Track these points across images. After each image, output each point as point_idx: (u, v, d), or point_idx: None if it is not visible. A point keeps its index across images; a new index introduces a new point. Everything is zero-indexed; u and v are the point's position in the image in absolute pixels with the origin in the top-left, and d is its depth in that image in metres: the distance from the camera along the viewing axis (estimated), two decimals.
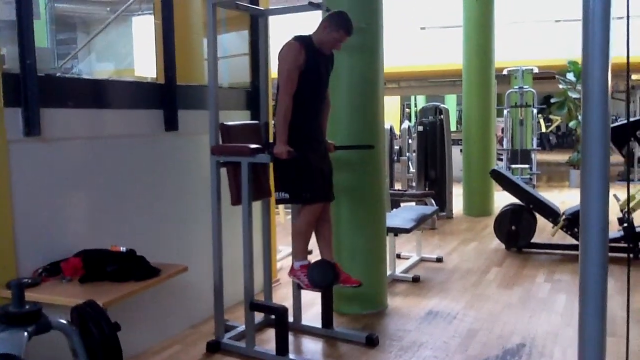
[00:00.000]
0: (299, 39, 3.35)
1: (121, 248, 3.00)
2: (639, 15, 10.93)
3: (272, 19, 4.00)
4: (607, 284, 1.61)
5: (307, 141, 3.40)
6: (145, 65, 6.95)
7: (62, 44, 7.98)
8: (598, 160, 1.49)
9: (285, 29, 4.78)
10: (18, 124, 2.79)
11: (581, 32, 1.48)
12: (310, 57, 3.32)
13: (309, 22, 3.61)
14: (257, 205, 3.66)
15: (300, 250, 3.48)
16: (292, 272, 3.50)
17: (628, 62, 1.61)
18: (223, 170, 3.55)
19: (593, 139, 1.50)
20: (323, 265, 3.46)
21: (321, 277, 3.40)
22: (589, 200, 1.54)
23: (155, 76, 4.55)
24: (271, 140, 3.72)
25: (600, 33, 1.44)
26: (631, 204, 5.56)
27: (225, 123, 3.59)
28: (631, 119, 6.22)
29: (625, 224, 5.47)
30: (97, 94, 3.33)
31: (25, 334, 1.98)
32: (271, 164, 3.59)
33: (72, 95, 3.12)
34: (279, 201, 3.50)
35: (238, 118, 4.12)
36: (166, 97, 3.68)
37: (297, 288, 3.70)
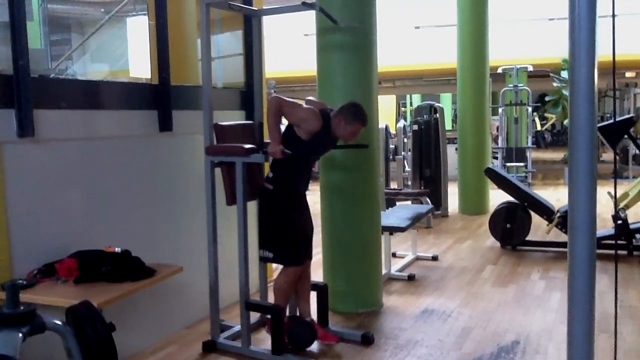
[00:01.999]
0: (322, 115, 3.38)
1: (116, 249, 3.00)
2: (630, 14, 10.97)
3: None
4: (594, 280, 1.63)
5: (290, 193, 3.48)
6: (140, 65, 6.95)
7: (56, 44, 7.96)
8: (585, 157, 1.51)
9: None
10: (11, 125, 2.79)
11: (568, 30, 1.49)
12: (321, 134, 3.36)
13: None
14: (252, 205, 3.66)
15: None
16: (270, 328, 3.54)
17: (614, 60, 1.63)
18: (218, 171, 3.55)
19: (580, 135, 1.52)
20: (301, 326, 3.56)
21: (299, 338, 3.50)
22: (577, 196, 1.55)
23: (149, 77, 4.55)
24: (266, 140, 3.73)
25: (586, 31, 1.46)
26: (626, 201, 5.59)
27: (219, 123, 3.60)
28: (624, 117, 6.24)
29: (620, 221, 5.49)
30: (90, 95, 3.33)
31: (20, 334, 1.98)
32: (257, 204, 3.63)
33: (66, 96, 3.12)
34: (262, 259, 3.57)
35: (232, 118, 4.13)
36: (160, 97, 3.69)
37: None
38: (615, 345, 1.92)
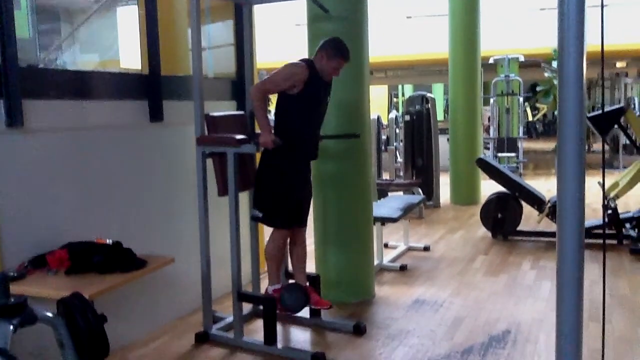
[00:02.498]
0: (306, 62, 3.38)
1: (107, 240, 2.99)
2: (621, 4, 10.99)
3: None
4: (583, 269, 1.63)
5: (295, 163, 3.46)
6: (130, 56, 6.89)
7: (45, 34, 7.88)
8: (574, 146, 1.51)
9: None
10: (0, 115, 2.76)
11: (557, 20, 1.49)
12: (312, 81, 3.35)
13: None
14: (243, 196, 3.65)
15: (272, 274, 3.59)
16: (267, 295, 3.57)
17: (602, 50, 1.63)
18: (209, 161, 3.54)
19: (569, 124, 1.52)
20: (294, 290, 3.56)
21: (293, 302, 3.50)
22: (565, 186, 1.56)
23: (140, 67, 4.51)
24: (257, 131, 3.72)
25: (574, 21, 1.46)
26: (616, 191, 5.62)
27: (210, 113, 3.58)
28: (614, 106, 6.26)
29: (609, 211, 5.53)
30: (80, 85, 3.30)
31: (11, 326, 1.96)
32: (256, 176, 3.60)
33: (55, 86, 3.09)
34: (252, 218, 3.57)
35: (224, 108, 4.11)
36: (151, 87, 3.66)
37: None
38: (603, 333, 1.94)
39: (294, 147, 3.41)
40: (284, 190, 3.44)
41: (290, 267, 3.86)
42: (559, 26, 1.53)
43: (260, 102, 3.33)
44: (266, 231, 4.01)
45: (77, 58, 7.86)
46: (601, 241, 5.27)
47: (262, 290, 3.76)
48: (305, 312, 3.77)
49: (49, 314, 2.17)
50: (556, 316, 1.69)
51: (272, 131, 3.35)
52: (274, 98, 3.65)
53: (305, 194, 3.61)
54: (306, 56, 4.15)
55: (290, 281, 3.80)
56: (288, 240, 3.62)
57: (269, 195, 3.45)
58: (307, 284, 3.68)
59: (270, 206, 3.46)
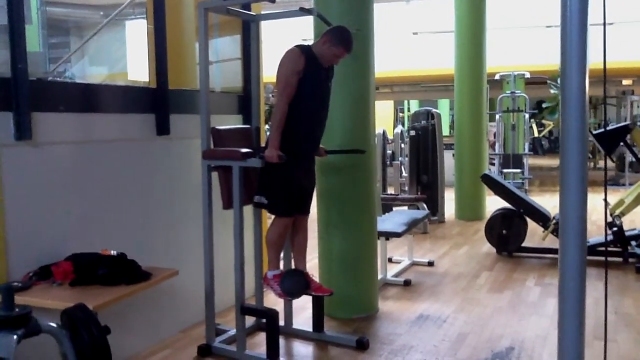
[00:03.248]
0: (299, 47, 3.39)
1: (112, 252, 3.00)
2: (628, 22, 11.02)
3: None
4: (585, 285, 1.64)
5: (296, 153, 3.42)
6: (138, 69, 6.96)
7: (54, 47, 7.98)
8: (576, 163, 1.53)
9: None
10: (9, 128, 2.80)
11: (559, 38, 1.51)
12: (309, 64, 3.35)
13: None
14: (248, 209, 3.67)
15: (272, 260, 3.59)
16: (266, 280, 3.58)
17: (605, 68, 1.64)
18: (214, 175, 3.56)
19: (571, 141, 1.54)
20: (294, 275, 3.58)
21: (292, 286, 3.51)
22: (568, 202, 1.57)
23: (147, 80, 4.56)
24: (262, 145, 3.74)
25: (577, 39, 1.48)
26: (621, 208, 5.61)
27: (216, 127, 3.61)
28: (620, 124, 6.26)
29: (615, 228, 5.52)
30: (88, 98, 3.34)
31: (15, 337, 1.99)
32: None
33: (64, 100, 3.13)
34: (255, 204, 3.56)
35: (230, 122, 4.14)
36: (158, 101, 3.70)
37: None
38: (605, 350, 1.93)
39: (299, 135, 3.39)
40: (286, 178, 3.41)
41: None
42: (562, 44, 1.55)
43: (283, 114, 3.30)
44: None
45: (86, 71, 7.95)
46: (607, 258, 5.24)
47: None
48: (308, 326, 3.78)
49: (53, 325, 2.19)
50: (558, 332, 1.69)
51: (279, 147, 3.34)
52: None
53: (307, 183, 3.58)
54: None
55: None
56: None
57: (274, 183, 3.43)
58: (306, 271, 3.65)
59: (275, 193, 3.44)
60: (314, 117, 3.48)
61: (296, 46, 3.39)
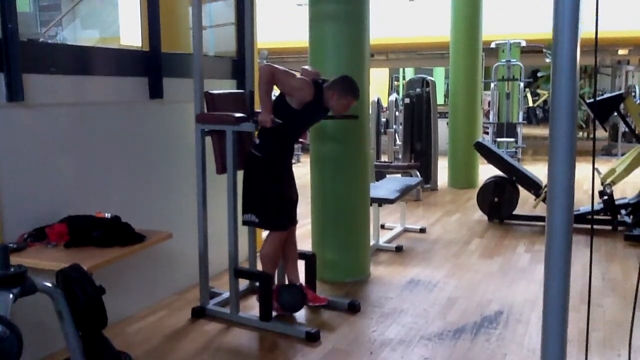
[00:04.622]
0: (315, 85, 3.39)
1: (106, 214, 3.02)
2: None
3: None
4: (570, 251, 1.67)
5: (280, 170, 3.52)
6: (131, 34, 6.87)
7: (45, 10, 7.85)
8: (565, 131, 1.54)
9: None
10: (1, 89, 2.78)
11: (552, 5, 1.51)
12: (313, 104, 3.38)
13: None
14: (241, 174, 3.68)
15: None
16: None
17: (596, 36, 1.64)
18: (208, 139, 3.56)
19: (561, 110, 1.55)
20: (291, 290, 3.62)
21: (290, 301, 3.57)
22: (556, 170, 1.59)
23: (140, 45, 4.51)
24: (257, 110, 3.73)
25: (570, 7, 1.47)
26: (612, 177, 5.66)
27: (210, 91, 3.60)
28: (614, 93, 6.27)
29: (605, 197, 5.57)
30: (81, 61, 3.32)
31: (11, 295, 2.01)
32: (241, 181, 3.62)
33: (56, 61, 3.10)
34: (245, 223, 3.56)
35: (223, 87, 4.12)
36: (151, 64, 3.67)
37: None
38: (588, 317, 1.98)
39: (279, 148, 3.48)
40: (275, 193, 3.47)
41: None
42: (554, 12, 1.55)
43: (267, 82, 3.32)
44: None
45: (78, 35, 7.83)
46: (597, 227, 5.32)
47: (258, 267, 3.79)
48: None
49: (49, 285, 2.21)
50: (543, 297, 1.73)
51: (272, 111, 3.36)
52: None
53: (293, 193, 3.65)
54: (307, 37, 4.17)
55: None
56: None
57: (262, 201, 3.47)
58: (301, 283, 3.72)
59: (266, 210, 3.48)
60: (294, 137, 3.60)
61: (312, 81, 3.41)
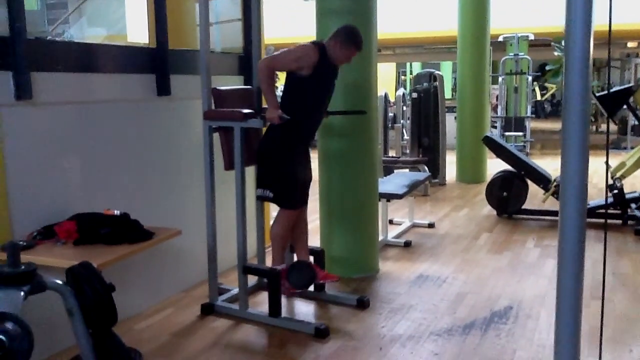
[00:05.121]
0: (317, 45, 3.39)
1: (115, 212, 3.02)
2: None
3: None
4: (584, 246, 1.66)
5: (297, 145, 3.50)
6: (137, 31, 6.88)
7: (52, 8, 7.86)
8: (578, 125, 1.52)
9: None
10: (9, 87, 2.79)
11: None
12: (322, 64, 3.36)
13: None
14: (249, 170, 3.68)
15: (277, 255, 3.62)
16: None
17: (610, 30, 1.62)
18: (216, 135, 3.56)
19: (574, 103, 1.53)
20: (300, 267, 3.60)
21: (300, 278, 3.54)
22: (569, 164, 1.57)
23: (147, 42, 4.51)
24: (264, 106, 3.73)
25: (582, 2, 1.46)
26: (622, 171, 5.62)
27: (217, 88, 3.59)
28: (623, 86, 6.22)
29: (615, 191, 5.53)
30: (88, 58, 3.32)
31: (22, 293, 2.01)
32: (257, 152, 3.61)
33: (64, 59, 3.10)
34: (260, 197, 3.58)
35: (231, 83, 4.11)
36: (158, 61, 3.67)
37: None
38: (602, 311, 1.97)
39: (299, 127, 3.43)
40: (292, 171, 3.48)
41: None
42: (567, 4, 1.53)
43: (268, 77, 3.34)
44: (272, 206, 4.06)
45: (84, 32, 7.84)
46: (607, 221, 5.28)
47: (267, 263, 3.80)
48: (310, 286, 3.82)
49: (59, 282, 2.22)
50: (556, 292, 1.72)
51: (279, 107, 3.36)
52: (282, 75, 3.65)
53: (307, 175, 3.65)
54: (314, 33, 4.15)
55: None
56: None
57: (279, 176, 3.47)
58: (312, 259, 3.72)
59: (280, 187, 3.48)
60: (314, 112, 3.54)
61: (313, 43, 3.41)
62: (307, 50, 3.35)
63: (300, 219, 3.68)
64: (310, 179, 3.69)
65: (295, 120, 3.37)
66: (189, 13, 4.93)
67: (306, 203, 3.70)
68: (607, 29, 1.73)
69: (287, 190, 3.49)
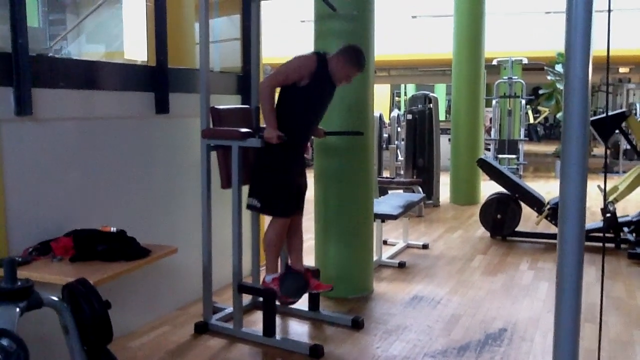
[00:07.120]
0: (317, 55, 3.43)
1: (111, 228, 3.02)
2: (625, 9, 10.99)
3: None
4: (582, 271, 1.68)
5: (291, 154, 3.50)
6: (134, 48, 6.92)
7: (51, 24, 7.90)
8: (577, 150, 1.55)
9: None
10: (10, 103, 2.80)
11: (564, 24, 1.52)
12: (319, 75, 3.38)
13: None
14: (246, 189, 3.69)
15: (270, 263, 3.60)
16: (265, 285, 3.58)
17: (608, 55, 1.66)
18: (213, 154, 3.58)
19: (573, 128, 1.56)
20: (293, 276, 3.60)
21: (293, 287, 3.54)
22: (567, 189, 1.60)
23: (145, 59, 4.54)
24: (262, 125, 3.75)
25: (582, 25, 1.49)
26: (615, 195, 5.66)
27: (216, 107, 3.62)
28: (617, 111, 6.30)
29: (608, 215, 5.57)
30: (89, 75, 3.34)
31: (17, 309, 2.00)
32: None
33: (64, 76, 3.12)
34: (249, 206, 3.56)
35: (229, 102, 4.15)
36: (157, 79, 3.69)
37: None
38: (600, 334, 1.98)
39: (293, 136, 3.43)
40: (283, 178, 3.47)
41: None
42: (567, 30, 1.57)
43: (269, 96, 3.36)
44: (267, 223, 4.06)
45: (82, 49, 7.88)
46: (599, 244, 5.31)
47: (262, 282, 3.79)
48: (304, 305, 3.82)
49: (55, 299, 2.21)
50: (554, 316, 1.72)
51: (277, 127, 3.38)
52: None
53: (301, 182, 3.63)
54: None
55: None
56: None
57: (268, 184, 3.47)
58: (304, 270, 3.70)
59: (270, 195, 3.47)
60: (306, 122, 3.55)
61: (314, 53, 3.45)
62: (305, 60, 3.38)
63: (295, 229, 3.67)
64: (305, 186, 3.66)
65: (290, 130, 3.38)
66: (188, 31, 4.97)
67: (300, 210, 3.66)
68: (602, 54, 1.77)
69: (275, 197, 3.46)
